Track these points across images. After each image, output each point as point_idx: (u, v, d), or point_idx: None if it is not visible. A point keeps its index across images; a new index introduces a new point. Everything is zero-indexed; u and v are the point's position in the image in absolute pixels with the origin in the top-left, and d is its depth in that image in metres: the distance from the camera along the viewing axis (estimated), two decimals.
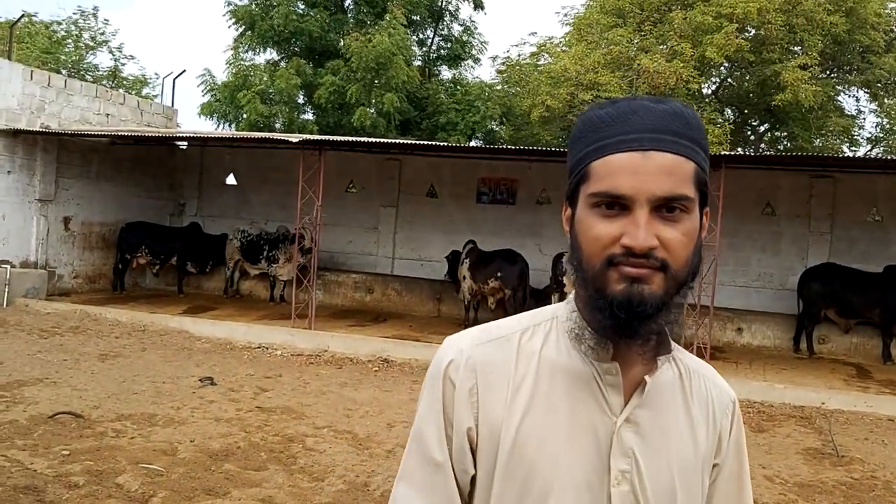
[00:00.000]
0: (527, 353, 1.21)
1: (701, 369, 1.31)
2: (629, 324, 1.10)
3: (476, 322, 12.76)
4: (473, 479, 1.20)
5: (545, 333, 1.23)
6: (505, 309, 12.51)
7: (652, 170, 1.09)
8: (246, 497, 5.03)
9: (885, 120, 18.66)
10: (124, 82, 25.03)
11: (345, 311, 13.89)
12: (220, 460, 5.73)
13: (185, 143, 15.81)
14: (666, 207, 1.09)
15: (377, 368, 9.79)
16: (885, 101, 17.72)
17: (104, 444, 5.82)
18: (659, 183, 1.08)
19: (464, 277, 12.34)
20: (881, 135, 19.31)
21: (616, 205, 1.10)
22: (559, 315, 1.24)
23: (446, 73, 20.15)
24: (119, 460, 5.48)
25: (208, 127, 17.90)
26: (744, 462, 1.31)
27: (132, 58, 29.84)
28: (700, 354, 10.08)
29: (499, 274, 12.01)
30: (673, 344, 1.26)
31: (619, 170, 1.09)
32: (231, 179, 16.20)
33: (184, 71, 18.57)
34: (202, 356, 9.71)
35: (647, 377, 1.18)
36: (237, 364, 9.40)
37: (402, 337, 11.29)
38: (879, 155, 18.30)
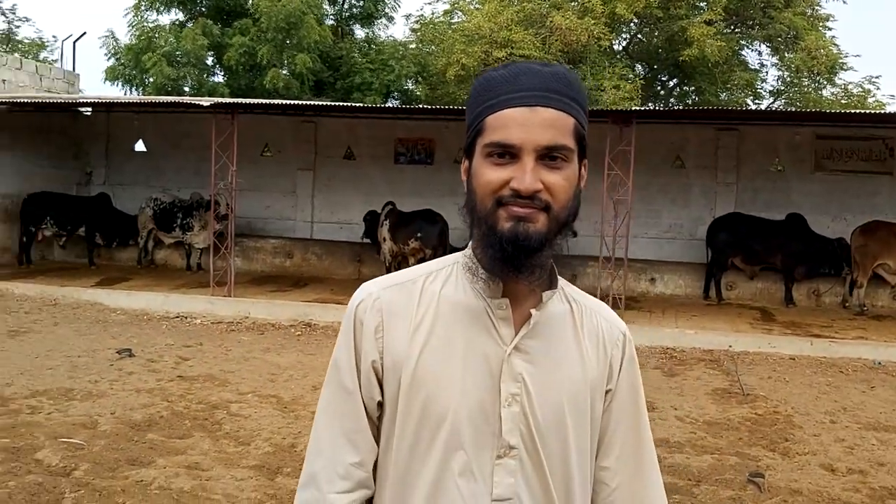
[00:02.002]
0: (428, 294, 1.35)
1: (592, 305, 1.44)
2: (516, 257, 1.24)
3: None
4: (381, 405, 1.36)
5: (446, 276, 1.38)
6: None
7: (538, 122, 1.23)
8: (171, 465, 5.01)
9: (786, 73, 19.32)
10: (19, 46, 23.75)
11: (264, 277, 13.74)
12: (142, 431, 5.67)
13: (90, 109, 15.18)
14: (549, 156, 1.24)
15: (300, 333, 9.77)
16: (786, 54, 18.35)
17: (20, 421, 5.67)
18: (543, 134, 1.23)
19: (384, 239, 12.35)
20: (782, 88, 20.00)
21: (507, 154, 1.24)
22: (460, 260, 1.39)
23: (359, 33, 19.86)
24: (37, 436, 5.36)
25: (114, 92, 17.22)
26: (638, 391, 1.44)
27: (27, 20, 28.37)
28: (615, 305, 10.42)
29: (419, 234, 12.07)
30: (566, 283, 1.42)
31: (510, 122, 1.24)
32: (140, 146, 15.67)
33: (84, 33, 17.79)
34: (118, 328, 9.48)
35: (532, 310, 1.32)
36: (155, 334, 9.23)
37: (323, 301, 11.26)
38: (781, 107, 19.01)
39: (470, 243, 1.37)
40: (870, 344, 9.31)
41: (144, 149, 15.62)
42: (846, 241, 11.79)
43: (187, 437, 5.60)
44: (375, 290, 1.38)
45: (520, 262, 1.24)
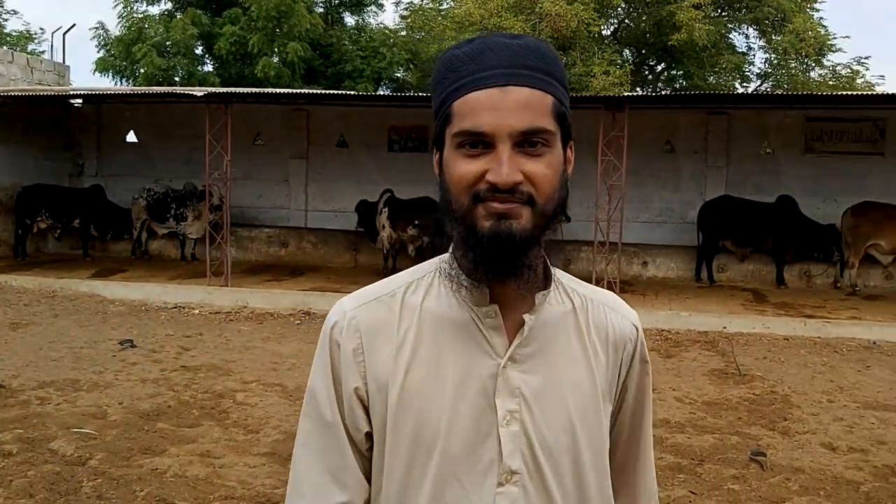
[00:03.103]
0: (409, 308, 1.21)
1: (600, 297, 1.30)
2: (499, 260, 1.10)
3: (395, 270, 12.88)
4: (371, 435, 1.20)
5: (427, 286, 1.23)
6: (423, 256, 12.70)
7: (510, 105, 1.08)
8: (184, 453, 5.08)
9: (773, 55, 19.44)
10: (7, 39, 23.55)
11: (260, 266, 13.79)
12: (152, 420, 5.73)
13: (81, 100, 15.12)
14: (528, 142, 1.09)
15: (299, 321, 9.83)
16: (773, 37, 18.45)
17: (31, 412, 5.73)
18: (518, 117, 1.08)
19: (383, 226, 12.42)
20: (770, 70, 20.13)
21: (479, 143, 1.10)
22: (442, 267, 1.23)
23: (349, 20, 19.85)
24: (49, 426, 5.42)
25: (105, 83, 17.16)
26: (647, 392, 1.34)
27: (15, 12, 28.04)
28: (610, 288, 10.51)
29: (416, 222, 12.14)
30: (564, 275, 1.28)
31: (479, 107, 1.09)
32: (132, 137, 15.62)
33: (73, 25, 17.78)
34: (118, 319, 9.53)
35: (525, 315, 1.18)
36: (155, 325, 9.28)
37: (321, 289, 11.32)
38: (768, 90, 19.14)
39: (452, 248, 1.21)
40: (864, 324, 9.47)
41: (136, 140, 15.58)
42: (837, 227, 11.94)
43: (196, 426, 5.67)
44: (350, 309, 1.23)
45: (504, 264, 1.10)
